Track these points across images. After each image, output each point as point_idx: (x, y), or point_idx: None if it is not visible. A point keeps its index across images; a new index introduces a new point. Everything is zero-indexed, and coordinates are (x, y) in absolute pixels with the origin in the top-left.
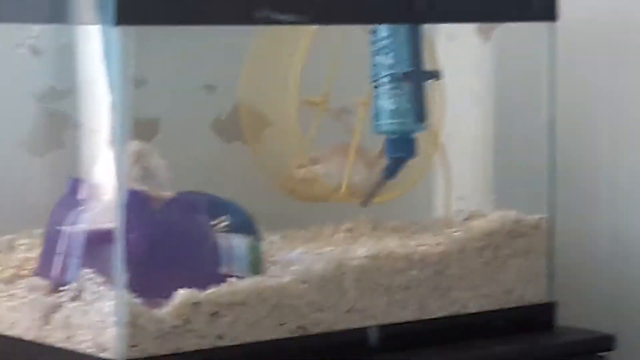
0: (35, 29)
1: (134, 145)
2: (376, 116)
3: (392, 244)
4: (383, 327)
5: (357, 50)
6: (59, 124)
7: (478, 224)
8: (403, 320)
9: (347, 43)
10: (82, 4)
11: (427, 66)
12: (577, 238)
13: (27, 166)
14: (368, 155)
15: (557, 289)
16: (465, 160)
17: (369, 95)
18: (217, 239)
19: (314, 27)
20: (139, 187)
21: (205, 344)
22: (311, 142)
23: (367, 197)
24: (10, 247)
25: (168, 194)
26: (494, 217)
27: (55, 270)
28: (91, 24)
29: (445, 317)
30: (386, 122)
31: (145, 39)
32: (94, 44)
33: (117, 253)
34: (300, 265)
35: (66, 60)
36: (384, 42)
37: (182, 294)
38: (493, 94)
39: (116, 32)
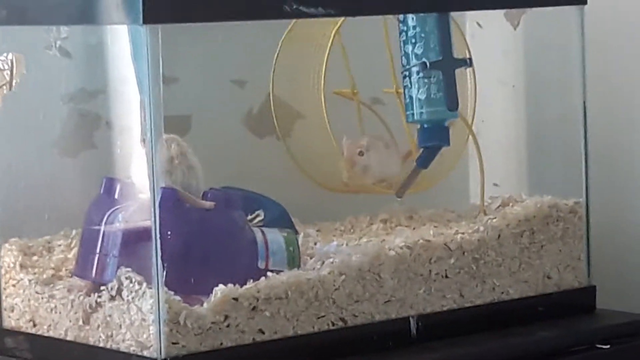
0: (64, 30)
1: (173, 144)
2: (408, 106)
3: (429, 233)
4: (423, 317)
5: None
6: (91, 124)
7: (514, 210)
8: (443, 309)
9: (375, 33)
10: (109, 4)
11: (457, 54)
12: (614, 221)
13: (60, 167)
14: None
15: (596, 273)
16: (499, 147)
17: (399, 85)
18: (254, 234)
19: (341, 19)
20: (178, 187)
21: (246, 339)
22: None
23: (402, 187)
24: (48, 249)
25: (209, 203)
26: (530, 203)
27: (93, 270)
28: (119, 23)
29: (485, 305)
30: (418, 112)
31: (173, 37)
32: (122, 43)
33: (154, 251)
34: (337, 257)
35: (95, 60)
36: (412, 32)
37: (221, 290)
38: (524, 80)
39: (144, 31)
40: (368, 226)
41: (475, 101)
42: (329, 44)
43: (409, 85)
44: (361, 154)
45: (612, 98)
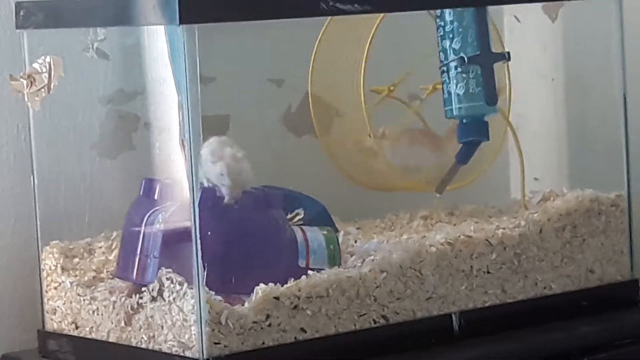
0: (101, 32)
1: (226, 150)
2: (446, 101)
3: (470, 228)
4: (465, 313)
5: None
6: (129, 125)
7: (555, 205)
8: (485, 304)
9: (413, 29)
10: (146, 5)
11: (495, 48)
12: None
13: (99, 169)
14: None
15: (639, 266)
16: (539, 141)
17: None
18: (294, 233)
19: (379, 15)
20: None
21: (288, 337)
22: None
23: (441, 183)
24: (89, 251)
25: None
26: (571, 197)
27: (134, 271)
28: (156, 24)
29: (527, 300)
30: (456, 107)
31: (210, 36)
32: (159, 44)
33: (194, 251)
34: (378, 254)
35: (133, 61)
36: (449, 27)
37: (262, 289)
38: (564, 73)
39: (180, 31)
40: (408, 223)
41: (509, 95)
42: (368, 42)
43: (447, 81)
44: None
45: None
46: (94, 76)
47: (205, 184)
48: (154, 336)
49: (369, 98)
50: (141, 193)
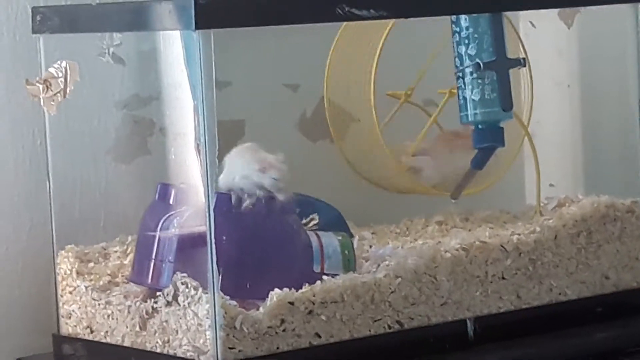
0: (117, 37)
1: (267, 156)
2: (462, 107)
3: (485, 234)
4: (479, 319)
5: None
6: (145, 130)
7: (570, 211)
8: (499, 310)
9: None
10: (162, 11)
11: (511, 54)
12: None
13: (115, 174)
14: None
15: None
16: (554, 147)
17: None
18: (309, 238)
19: (392, 21)
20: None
21: (302, 343)
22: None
23: (457, 189)
24: (104, 255)
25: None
26: (586, 203)
27: (149, 275)
28: (172, 29)
29: (542, 306)
30: (472, 113)
31: (226, 41)
32: (175, 49)
33: (209, 256)
34: (392, 260)
35: (149, 66)
36: (465, 32)
37: (277, 294)
38: (579, 79)
39: (196, 36)
40: (423, 228)
41: (531, 101)
42: (379, 46)
43: (463, 87)
44: (412, 155)
45: None
46: (109, 81)
47: (258, 193)
48: (168, 341)
49: (386, 103)
50: (156, 198)
